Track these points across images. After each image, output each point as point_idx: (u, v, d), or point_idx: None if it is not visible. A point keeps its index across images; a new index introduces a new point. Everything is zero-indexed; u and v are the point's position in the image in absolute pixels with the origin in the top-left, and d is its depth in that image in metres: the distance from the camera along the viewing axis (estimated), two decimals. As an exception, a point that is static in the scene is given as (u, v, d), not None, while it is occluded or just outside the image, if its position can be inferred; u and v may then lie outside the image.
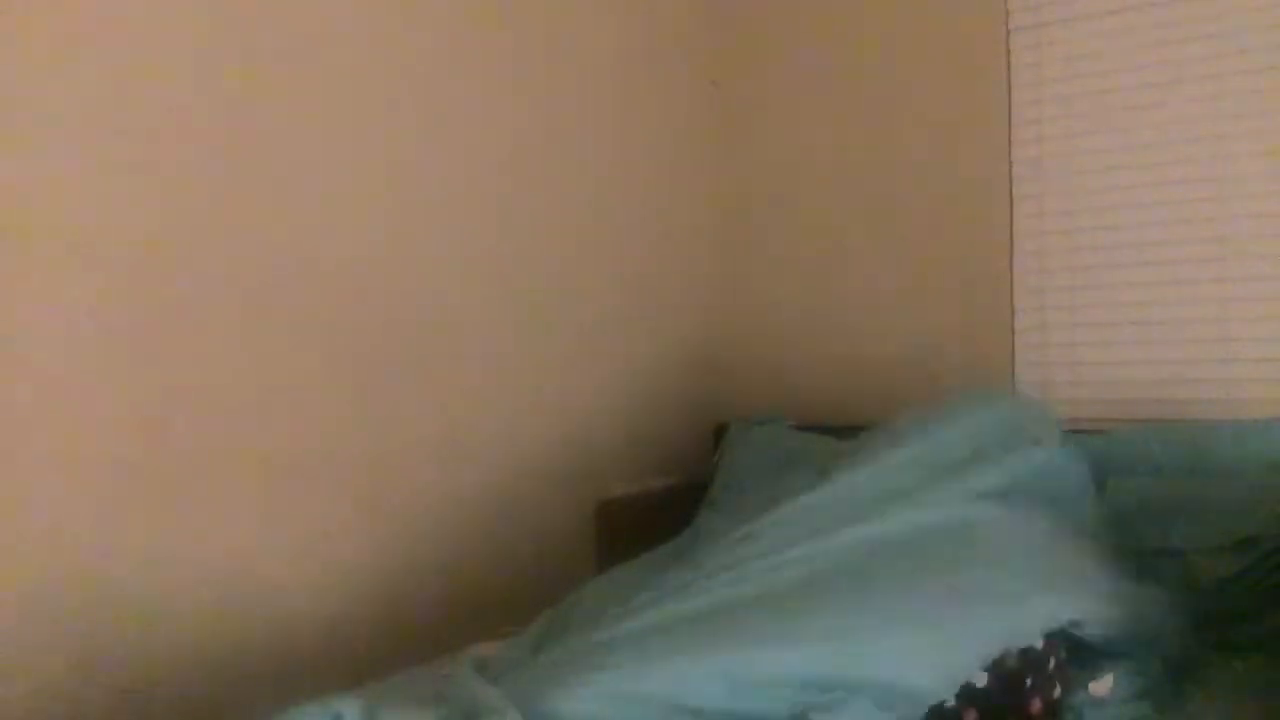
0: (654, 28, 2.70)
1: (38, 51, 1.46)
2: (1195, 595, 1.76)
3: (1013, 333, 2.48)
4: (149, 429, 1.58)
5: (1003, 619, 1.44)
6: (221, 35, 1.68)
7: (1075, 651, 1.52)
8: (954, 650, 1.38)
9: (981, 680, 1.39)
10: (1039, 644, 1.45)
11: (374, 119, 1.94)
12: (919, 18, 2.60)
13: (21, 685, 1.41)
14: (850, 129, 2.71)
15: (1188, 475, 1.99)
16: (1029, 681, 1.42)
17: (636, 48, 2.63)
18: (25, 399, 1.44)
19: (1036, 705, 1.43)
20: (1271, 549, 1.76)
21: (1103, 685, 1.50)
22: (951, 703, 1.37)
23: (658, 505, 2.51)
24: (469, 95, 2.14)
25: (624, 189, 2.58)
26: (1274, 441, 1.97)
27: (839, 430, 2.48)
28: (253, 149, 1.73)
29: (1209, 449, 2.01)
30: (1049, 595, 1.51)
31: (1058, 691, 1.46)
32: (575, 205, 2.41)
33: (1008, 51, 2.48)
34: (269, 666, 1.71)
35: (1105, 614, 1.54)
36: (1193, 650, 1.64)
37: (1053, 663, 1.46)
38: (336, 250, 1.87)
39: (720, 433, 2.66)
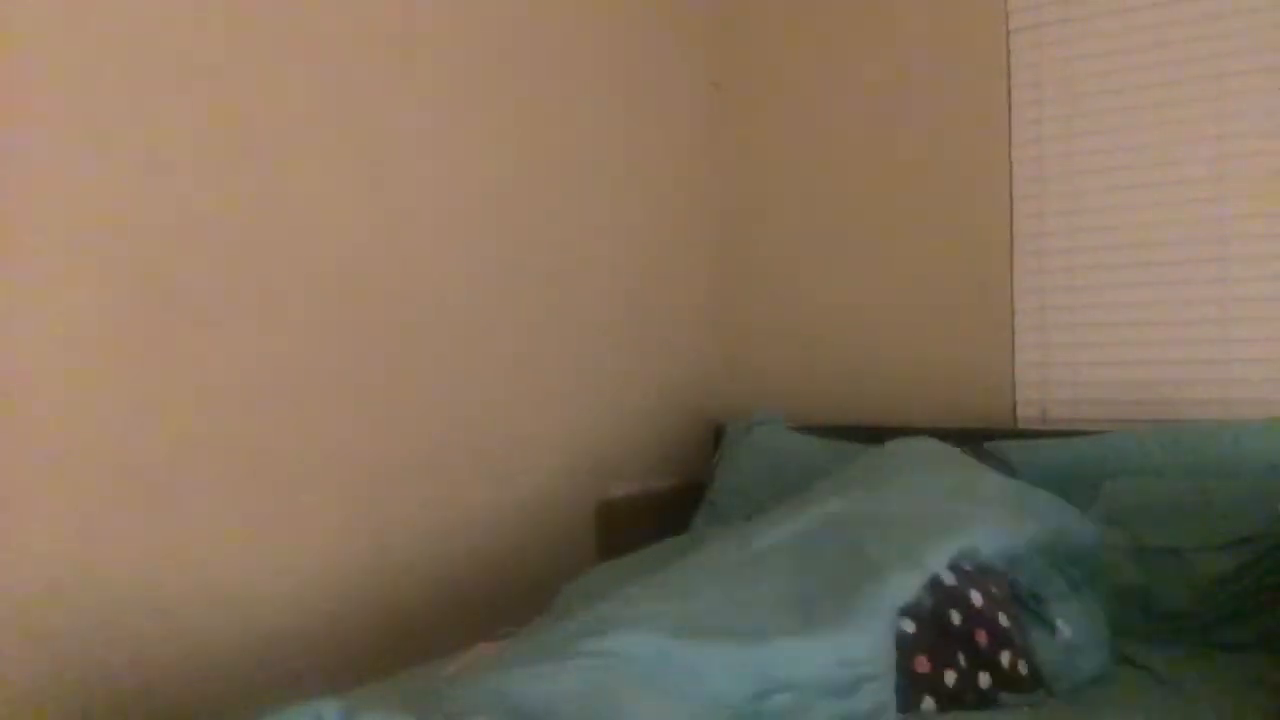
0: (654, 29, 2.70)
1: (39, 51, 1.46)
2: (1195, 595, 1.77)
3: (1013, 333, 2.48)
4: (149, 430, 1.58)
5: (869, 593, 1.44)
6: (224, 35, 1.69)
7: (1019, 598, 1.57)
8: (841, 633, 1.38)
9: (910, 626, 1.42)
10: (949, 581, 1.48)
11: (377, 124, 1.94)
12: (919, 18, 2.60)
13: (17, 685, 1.42)
14: (850, 130, 2.71)
15: (1187, 475, 1.99)
16: (955, 616, 1.45)
17: (636, 49, 2.63)
18: (24, 400, 1.45)
19: (983, 636, 1.46)
20: (1269, 548, 1.76)
21: (1063, 634, 1.55)
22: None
23: (658, 505, 2.52)
24: (471, 98, 2.14)
25: (624, 191, 2.58)
26: (1272, 442, 1.97)
27: (838, 431, 2.49)
28: (256, 150, 1.73)
29: (1208, 449, 2.01)
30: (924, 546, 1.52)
31: (1003, 620, 1.48)
32: (575, 207, 2.42)
33: (1008, 51, 2.48)
34: (268, 668, 1.71)
35: (1002, 537, 1.60)
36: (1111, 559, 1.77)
37: (978, 597, 1.48)
38: (339, 253, 1.88)
39: (720, 434, 2.66)
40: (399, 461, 1.97)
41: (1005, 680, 1.47)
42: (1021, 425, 2.44)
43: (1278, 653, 1.66)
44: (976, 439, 2.13)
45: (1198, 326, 2.28)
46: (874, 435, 2.36)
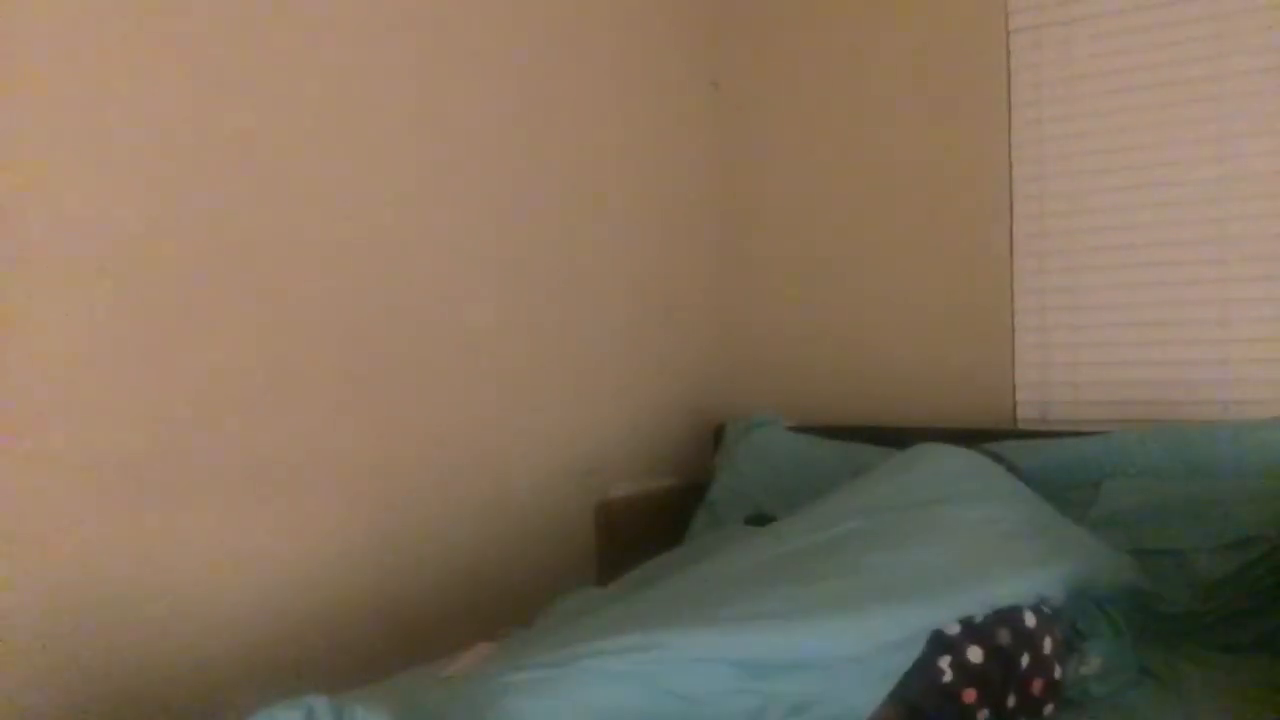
0: (654, 28, 2.70)
1: (39, 51, 1.46)
2: (1195, 596, 1.77)
3: (1013, 333, 2.48)
4: (152, 429, 1.58)
5: (937, 602, 1.44)
6: (222, 32, 1.69)
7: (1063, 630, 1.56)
8: (878, 628, 1.37)
9: (977, 656, 1.41)
10: (1030, 623, 1.47)
11: (378, 127, 1.94)
12: (919, 18, 2.60)
13: (20, 684, 1.42)
14: (850, 129, 2.71)
15: (1187, 476, 1.98)
16: (1025, 659, 1.44)
17: (636, 50, 2.63)
18: (29, 399, 1.45)
19: (1038, 685, 1.45)
20: (1270, 549, 1.76)
21: (1091, 667, 1.55)
22: (949, 677, 1.39)
23: (658, 505, 2.52)
24: (471, 100, 2.14)
25: (623, 191, 2.58)
26: (1273, 442, 1.97)
27: (837, 431, 2.49)
28: (258, 150, 1.73)
29: (1208, 449, 2.01)
30: (989, 580, 1.51)
31: (1058, 672, 1.48)
32: (575, 208, 2.42)
33: (1008, 52, 2.48)
34: (269, 667, 1.71)
35: (1057, 587, 1.57)
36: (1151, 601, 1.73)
37: (1049, 644, 1.48)
38: (342, 251, 1.87)
39: (720, 434, 2.66)
40: (400, 462, 1.97)
41: None
42: (1021, 425, 2.44)
43: (1278, 654, 1.66)
44: (976, 439, 2.12)
45: (1198, 326, 2.28)
46: (874, 435, 2.37)
